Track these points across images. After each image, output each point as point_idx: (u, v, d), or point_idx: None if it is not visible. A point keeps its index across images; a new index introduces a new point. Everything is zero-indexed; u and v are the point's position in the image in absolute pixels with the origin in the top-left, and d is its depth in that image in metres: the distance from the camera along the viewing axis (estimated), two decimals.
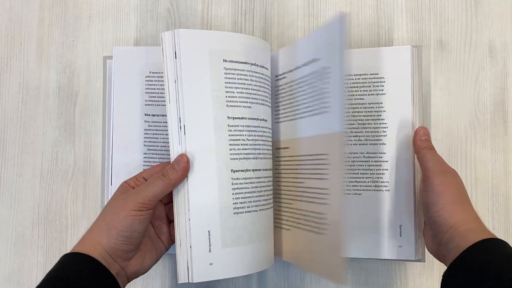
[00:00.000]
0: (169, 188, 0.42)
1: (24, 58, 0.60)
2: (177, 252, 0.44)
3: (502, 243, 0.39)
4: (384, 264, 0.56)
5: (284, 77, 0.51)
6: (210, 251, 0.43)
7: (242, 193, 0.45)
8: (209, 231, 0.43)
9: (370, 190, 0.51)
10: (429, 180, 0.45)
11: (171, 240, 0.46)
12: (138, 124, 0.53)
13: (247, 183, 0.45)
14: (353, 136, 0.52)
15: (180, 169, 0.43)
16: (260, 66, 0.48)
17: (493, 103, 0.57)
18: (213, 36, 0.45)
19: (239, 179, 0.45)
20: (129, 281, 0.43)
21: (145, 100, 0.54)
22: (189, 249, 0.43)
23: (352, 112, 0.52)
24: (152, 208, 0.42)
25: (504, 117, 0.57)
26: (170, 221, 0.47)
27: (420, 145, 0.47)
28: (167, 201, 0.47)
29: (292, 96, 0.49)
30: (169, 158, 0.45)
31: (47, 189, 0.59)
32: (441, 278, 0.40)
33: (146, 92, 0.54)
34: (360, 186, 0.51)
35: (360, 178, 0.51)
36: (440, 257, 0.45)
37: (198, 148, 0.44)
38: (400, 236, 0.50)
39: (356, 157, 0.51)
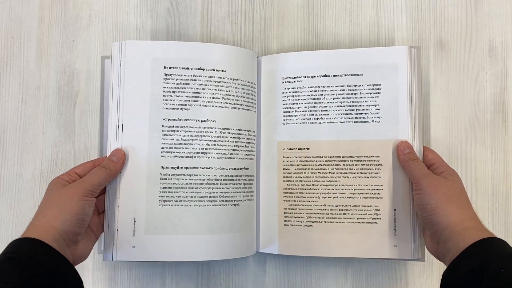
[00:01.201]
0: (110, 178, 0.48)
1: (24, 58, 0.60)
2: (104, 235, 0.50)
3: (501, 242, 0.40)
4: (384, 264, 0.56)
5: (299, 81, 0.53)
6: (134, 235, 0.49)
7: (170, 187, 0.50)
8: (134, 218, 0.49)
9: (364, 190, 0.51)
10: (418, 184, 0.46)
11: (101, 230, 0.50)
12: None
13: (176, 179, 0.50)
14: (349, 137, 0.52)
15: (118, 160, 0.49)
16: (210, 70, 0.52)
17: (493, 103, 0.57)
18: (157, 45, 0.52)
19: (169, 175, 0.50)
20: (74, 265, 0.43)
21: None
22: (115, 232, 0.49)
23: (348, 112, 0.52)
24: (96, 196, 0.47)
25: (504, 117, 0.57)
26: (99, 213, 0.50)
27: (404, 159, 0.49)
28: (98, 195, 0.49)
29: (317, 101, 0.53)
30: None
31: None
32: (441, 277, 0.40)
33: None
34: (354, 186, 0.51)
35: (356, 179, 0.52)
36: (439, 256, 0.45)
37: (133, 144, 0.50)
38: (395, 235, 0.50)
39: (352, 158, 0.52)
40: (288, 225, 0.52)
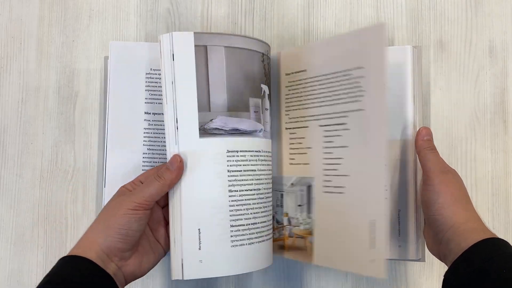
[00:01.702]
0: (165, 188, 0.43)
1: (24, 58, 0.60)
2: (171, 249, 0.45)
3: (503, 243, 0.39)
4: None
5: (300, 78, 0.51)
6: (200, 248, 0.44)
7: (238, 194, 0.45)
8: (199, 229, 0.44)
9: (369, 190, 0.51)
10: (430, 179, 0.45)
11: (169, 243, 0.46)
12: (136, 123, 0.53)
13: (245, 185, 0.46)
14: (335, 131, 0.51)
15: (175, 169, 0.44)
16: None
17: (493, 103, 0.57)
18: (207, 37, 0.46)
19: (237, 181, 0.45)
20: (127, 282, 0.43)
21: (145, 98, 0.53)
22: (181, 246, 0.44)
23: (334, 105, 0.51)
24: (149, 209, 0.43)
25: (504, 117, 0.57)
26: (168, 224, 0.47)
27: (421, 145, 0.47)
28: (164, 204, 0.47)
29: (318, 101, 0.50)
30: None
31: (47, 189, 0.59)
32: (442, 278, 0.40)
33: (146, 90, 0.53)
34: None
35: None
36: (441, 256, 0.45)
37: (192, 148, 0.45)
38: (399, 235, 0.50)
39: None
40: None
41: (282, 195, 0.53)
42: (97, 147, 0.58)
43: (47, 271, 0.39)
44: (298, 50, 0.53)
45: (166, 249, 0.46)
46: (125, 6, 0.60)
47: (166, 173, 0.43)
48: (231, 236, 0.45)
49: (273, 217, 0.52)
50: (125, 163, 0.52)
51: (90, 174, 0.58)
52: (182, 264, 0.44)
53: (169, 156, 0.45)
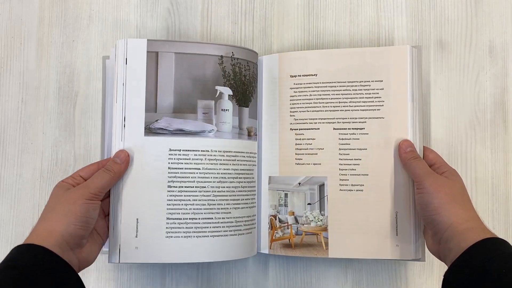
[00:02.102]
0: (114, 180, 0.48)
1: (24, 58, 0.60)
2: (110, 235, 0.49)
3: (502, 242, 0.39)
4: (384, 264, 0.56)
5: (300, 81, 0.53)
6: (136, 236, 0.48)
7: (177, 187, 0.49)
8: (137, 219, 0.49)
9: (363, 190, 0.51)
10: (421, 184, 0.46)
11: (106, 233, 0.49)
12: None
13: (186, 182, 0.49)
14: (352, 135, 0.52)
15: (122, 162, 0.48)
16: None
17: (493, 103, 0.57)
18: (158, 44, 0.50)
19: (177, 177, 0.49)
20: (80, 270, 0.44)
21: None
22: (119, 234, 0.48)
23: (351, 111, 0.52)
24: (101, 199, 0.46)
25: (504, 117, 0.57)
26: (106, 215, 0.50)
27: (405, 157, 0.49)
28: (103, 198, 0.49)
29: (319, 100, 0.53)
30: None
31: (47, 189, 0.59)
32: (442, 278, 0.40)
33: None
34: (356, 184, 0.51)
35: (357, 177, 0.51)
36: (440, 256, 0.45)
37: (137, 145, 0.49)
38: (397, 235, 0.50)
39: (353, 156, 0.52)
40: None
41: (286, 194, 0.53)
42: (97, 147, 0.58)
43: None
44: (306, 54, 0.54)
45: (104, 240, 0.49)
46: (125, 6, 0.60)
47: (114, 166, 0.47)
48: (167, 228, 0.49)
49: (275, 216, 0.53)
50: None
51: None
52: (119, 249, 0.48)
53: (114, 151, 0.49)
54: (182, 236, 0.49)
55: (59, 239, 0.41)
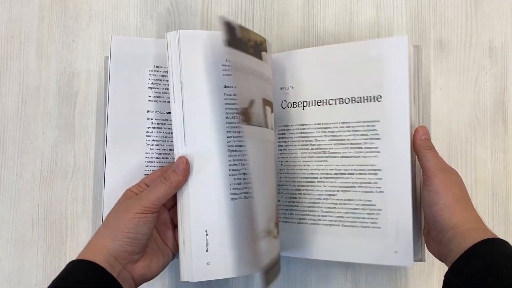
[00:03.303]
0: (171, 191, 0.43)
1: (24, 58, 0.60)
2: (180, 250, 0.45)
3: (503, 243, 0.39)
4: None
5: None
6: (207, 250, 0.44)
7: (241, 198, 0.45)
8: (206, 231, 0.44)
9: (365, 192, 0.50)
10: (430, 179, 0.44)
11: (177, 245, 0.46)
12: (138, 122, 0.51)
13: (245, 187, 0.46)
14: (349, 135, 0.51)
15: (181, 171, 0.44)
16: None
17: (493, 103, 0.57)
18: (213, 36, 0.46)
19: (238, 183, 0.45)
20: (137, 285, 0.43)
21: (148, 96, 0.51)
22: (190, 248, 0.44)
23: (348, 110, 0.51)
24: (156, 212, 0.43)
25: (504, 117, 0.57)
26: (175, 226, 0.47)
27: (420, 144, 0.46)
28: (171, 206, 0.47)
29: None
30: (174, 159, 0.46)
31: (47, 189, 0.59)
32: (443, 278, 0.40)
33: (149, 87, 0.51)
34: (354, 186, 0.51)
35: (354, 177, 0.51)
36: (441, 257, 0.45)
37: (200, 149, 0.45)
38: (396, 240, 0.49)
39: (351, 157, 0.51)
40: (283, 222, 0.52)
41: None
42: (97, 147, 0.58)
43: (47, 271, 0.39)
44: (304, 51, 0.53)
45: (174, 251, 0.46)
46: (125, 6, 0.60)
47: (172, 176, 0.43)
48: (235, 238, 0.45)
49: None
50: (126, 163, 0.50)
51: (90, 174, 0.58)
52: (192, 266, 0.44)
53: (177, 157, 0.45)
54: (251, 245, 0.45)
55: (106, 255, 0.40)
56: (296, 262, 0.56)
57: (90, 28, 0.60)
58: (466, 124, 0.57)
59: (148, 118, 0.51)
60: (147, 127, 0.51)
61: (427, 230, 0.47)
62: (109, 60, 0.51)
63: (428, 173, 0.45)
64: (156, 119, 0.51)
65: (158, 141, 0.51)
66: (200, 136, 0.45)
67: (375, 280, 0.56)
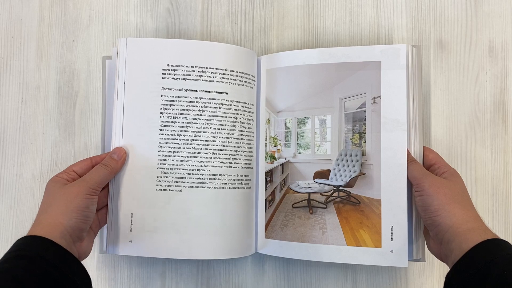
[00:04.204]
0: (111, 175, 0.49)
1: (24, 58, 0.60)
2: (108, 229, 0.51)
3: (504, 244, 0.39)
4: None
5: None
6: (131, 230, 0.50)
7: (166, 190, 0.51)
8: (132, 214, 0.51)
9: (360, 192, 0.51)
10: (419, 185, 0.46)
11: (99, 226, 0.51)
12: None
13: (171, 181, 0.51)
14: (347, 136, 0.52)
15: (119, 158, 0.50)
16: (210, 68, 0.52)
17: (493, 103, 0.57)
18: (158, 43, 0.52)
19: (165, 176, 0.51)
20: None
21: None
22: (115, 227, 0.50)
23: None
24: (98, 194, 0.47)
25: (504, 117, 0.57)
26: (98, 210, 0.50)
27: None
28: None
29: None
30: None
31: None
32: (442, 278, 0.40)
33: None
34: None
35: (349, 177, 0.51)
36: (442, 257, 0.45)
37: (133, 142, 0.51)
38: (392, 240, 0.49)
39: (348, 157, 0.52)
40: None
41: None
42: (97, 147, 0.58)
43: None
44: (304, 52, 0.54)
45: (96, 233, 0.50)
46: (125, 6, 0.60)
47: (112, 162, 0.49)
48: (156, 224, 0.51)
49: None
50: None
51: None
52: (118, 242, 0.50)
53: (113, 147, 0.51)
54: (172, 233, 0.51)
55: (63, 232, 0.42)
56: (296, 262, 0.56)
57: (90, 28, 0.60)
58: (466, 124, 0.57)
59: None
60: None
61: (427, 231, 0.47)
62: (107, 64, 0.54)
63: (416, 181, 0.47)
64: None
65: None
66: (136, 131, 0.51)
67: (375, 280, 0.56)
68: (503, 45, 0.57)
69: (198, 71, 0.52)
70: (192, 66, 0.52)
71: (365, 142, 0.51)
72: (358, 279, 0.56)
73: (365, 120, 0.51)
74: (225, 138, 0.52)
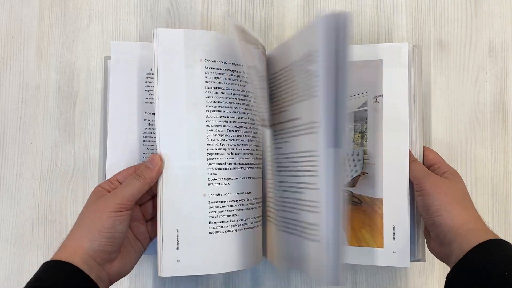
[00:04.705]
0: (145, 187, 0.43)
1: (24, 58, 0.60)
2: (158, 246, 0.45)
3: (505, 244, 0.39)
4: None
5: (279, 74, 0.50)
6: (177, 248, 0.44)
7: (217, 193, 0.46)
8: (177, 229, 0.44)
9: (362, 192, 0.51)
10: (420, 185, 0.46)
11: (149, 239, 0.47)
12: (136, 123, 0.52)
13: (224, 194, 0.46)
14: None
15: (155, 168, 0.44)
16: (237, 65, 0.48)
17: (493, 103, 0.57)
18: (190, 35, 0.46)
19: (218, 184, 0.46)
20: (111, 283, 0.43)
21: (145, 98, 0.52)
22: (161, 245, 0.45)
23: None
24: (131, 209, 0.43)
25: (504, 117, 0.57)
26: (147, 221, 0.47)
27: None
28: (142, 202, 0.48)
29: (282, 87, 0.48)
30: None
31: (47, 189, 0.59)
32: (443, 278, 0.40)
33: (146, 90, 0.52)
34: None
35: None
36: (443, 257, 0.45)
37: (171, 148, 0.45)
38: (394, 240, 0.49)
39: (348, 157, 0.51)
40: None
41: None
42: (97, 147, 0.58)
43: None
44: None
45: (145, 246, 0.47)
46: (125, 6, 0.60)
47: (146, 172, 0.43)
48: (209, 234, 0.45)
49: None
50: (125, 163, 0.51)
51: (90, 174, 0.58)
52: (162, 262, 0.45)
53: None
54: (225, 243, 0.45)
55: (84, 256, 0.39)
56: None
57: (90, 28, 0.60)
58: (466, 124, 0.57)
59: (145, 119, 0.52)
60: (144, 128, 0.52)
61: (427, 232, 0.47)
62: (109, 62, 0.53)
63: (417, 181, 0.46)
64: (152, 120, 0.52)
65: (155, 141, 0.51)
66: (175, 138, 0.45)
67: (375, 280, 0.56)
68: (503, 45, 0.57)
69: (241, 74, 0.47)
70: (230, 63, 0.47)
71: (366, 141, 0.51)
72: (358, 279, 0.56)
73: (366, 119, 0.51)
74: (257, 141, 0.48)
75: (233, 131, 0.47)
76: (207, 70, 0.46)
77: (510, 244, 0.39)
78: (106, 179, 0.49)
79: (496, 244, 0.39)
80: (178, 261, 0.44)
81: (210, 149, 0.46)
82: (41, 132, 0.59)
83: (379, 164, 0.50)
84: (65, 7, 0.61)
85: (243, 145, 0.47)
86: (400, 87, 0.50)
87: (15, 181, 0.59)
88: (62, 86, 0.60)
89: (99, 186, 0.45)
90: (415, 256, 0.49)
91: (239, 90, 0.48)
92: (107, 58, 0.55)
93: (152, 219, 0.47)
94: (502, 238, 0.40)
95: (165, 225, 0.44)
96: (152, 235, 0.47)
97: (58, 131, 0.59)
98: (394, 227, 0.49)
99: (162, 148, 0.45)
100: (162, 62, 0.45)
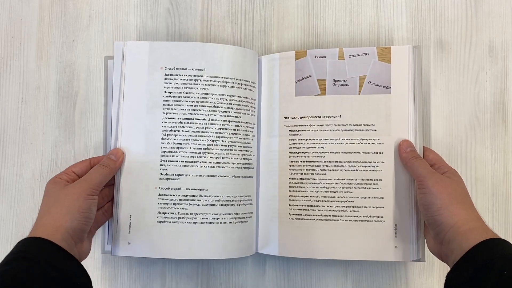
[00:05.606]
0: (110, 175, 0.49)
1: (24, 58, 0.60)
2: (113, 230, 0.51)
3: (504, 243, 0.39)
4: (384, 264, 0.56)
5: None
6: (129, 232, 0.50)
7: (168, 189, 0.51)
8: (130, 216, 0.51)
9: (365, 189, 0.51)
10: (423, 183, 0.46)
11: (97, 227, 0.51)
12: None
13: (175, 178, 0.51)
14: (352, 135, 0.52)
15: (117, 159, 0.50)
16: (210, 70, 0.52)
17: (493, 103, 0.57)
18: (157, 46, 0.52)
19: (168, 175, 0.51)
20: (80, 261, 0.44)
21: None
22: (115, 227, 0.51)
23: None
24: (98, 194, 0.47)
25: (504, 117, 0.57)
26: (98, 209, 0.50)
27: (406, 157, 0.49)
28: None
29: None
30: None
31: None
32: (442, 278, 0.40)
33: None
34: (355, 185, 0.51)
35: (355, 177, 0.51)
36: (442, 257, 0.45)
37: (130, 144, 0.51)
38: (396, 236, 0.50)
39: (352, 157, 0.52)
40: (293, 218, 0.52)
41: None
42: (97, 147, 0.58)
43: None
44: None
45: (93, 233, 0.50)
46: (125, 6, 0.60)
47: (110, 162, 0.49)
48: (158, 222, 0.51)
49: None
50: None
51: None
52: (118, 243, 0.50)
53: (110, 148, 0.52)
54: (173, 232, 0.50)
55: (64, 234, 0.42)
56: (296, 262, 0.56)
57: (90, 28, 0.60)
58: (466, 124, 0.57)
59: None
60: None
61: (428, 231, 0.47)
62: (110, 62, 0.54)
63: (420, 178, 0.46)
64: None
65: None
66: (135, 133, 0.51)
67: (375, 280, 0.56)
68: (503, 45, 0.57)
69: (203, 78, 0.52)
70: (190, 69, 0.52)
71: None
72: (358, 279, 0.56)
73: None
74: (228, 138, 0.52)
75: (188, 131, 0.51)
76: (167, 77, 0.52)
77: (510, 243, 0.40)
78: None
79: (496, 243, 0.39)
80: (129, 243, 0.50)
81: (164, 147, 0.51)
82: (41, 132, 0.59)
83: (380, 164, 0.50)
84: (65, 7, 0.61)
85: (199, 144, 0.51)
86: (400, 89, 0.50)
87: (15, 181, 0.59)
88: (62, 86, 0.60)
89: (56, 177, 0.47)
90: (415, 256, 0.50)
91: (198, 94, 0.52)
92: (107, 58, 0.56)
93: (102, 208, 0.51)
94: (502, 238, 0.40)
95: (120, 211, 0.51)
96: (100, 223, 0.51)
97: (58, 131, 0.59)
98: (395, 223, 0.50)
99: (123, 143, 0.51)
100: (129, 70, 0.52)
